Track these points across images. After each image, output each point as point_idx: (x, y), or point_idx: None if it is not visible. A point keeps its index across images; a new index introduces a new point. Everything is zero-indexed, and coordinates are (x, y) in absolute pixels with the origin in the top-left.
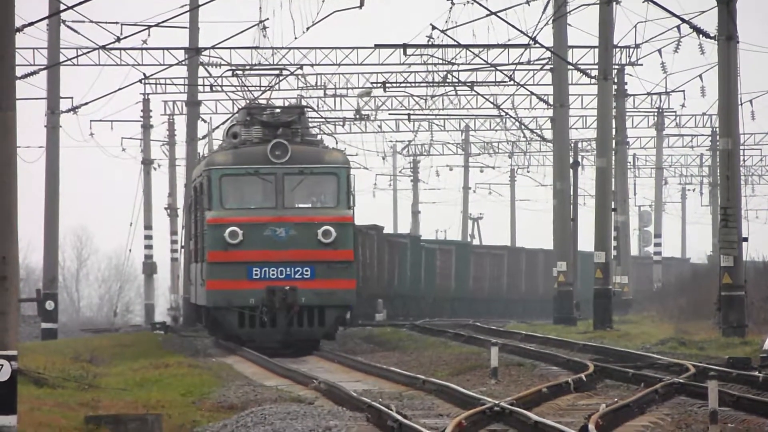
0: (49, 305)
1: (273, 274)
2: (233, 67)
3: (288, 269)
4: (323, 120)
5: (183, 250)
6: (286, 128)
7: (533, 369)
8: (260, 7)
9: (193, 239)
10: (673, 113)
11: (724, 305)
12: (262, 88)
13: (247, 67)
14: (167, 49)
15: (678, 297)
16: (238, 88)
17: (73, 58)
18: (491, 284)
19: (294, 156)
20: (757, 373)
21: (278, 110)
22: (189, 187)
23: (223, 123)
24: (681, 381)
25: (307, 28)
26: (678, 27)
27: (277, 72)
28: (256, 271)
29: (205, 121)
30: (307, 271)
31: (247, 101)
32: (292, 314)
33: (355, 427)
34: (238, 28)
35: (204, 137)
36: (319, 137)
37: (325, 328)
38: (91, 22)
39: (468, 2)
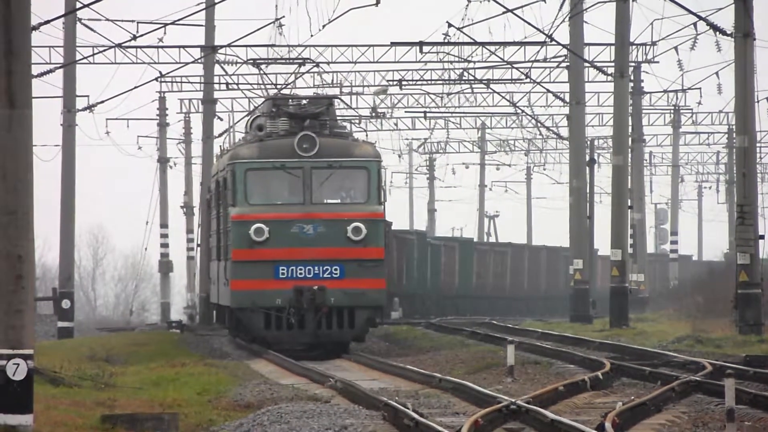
0: (65, 304)
1: (300, 274)
2: (253, 60)
3: (316, 268)
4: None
5: (199, 248)
6: (313, 120)
7: (550, 367)
8: (276, 5)
9: (215, 236)
10: (690, 111)
11: (740, 303)
12: (281, 85)
13: (269, 60)
14: (183, 47)
15: (695, 294)
16: (255, 86)
17: (89, 56)
18: (495, 282)
19: (322, 149)
20: None
21: (305, 101)
22: (205, 186)
23: (246, 116)
24: (698, 379)
25: (323, 26)
26: (695, 24)
27: (300, 62)
28: (282, 270)
29: (221, 119)
30: (336, 270)
31: (267, 95)
32: (321, 315)
33: (372, 425)
34: (254, 26)
35: (224, 133)
36: (348, 129)
37: (355, 329)
38: (107, 20)
39: (484, 0)
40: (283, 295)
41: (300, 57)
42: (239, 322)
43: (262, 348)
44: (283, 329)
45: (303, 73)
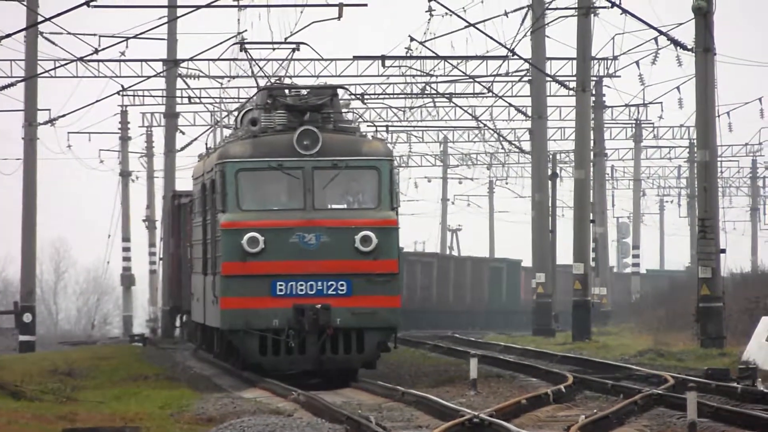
0: (27, 318)
1: (301, 290)
2: (240, 41)
3: (319, 284)
4: None
5: (161, 261)
6: (315, 113)
7: (512, 380)
8: (238, 19)
9: (200, 246)
10: (651, 125)
11: (702, 316)
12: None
13: (252, 42)
14: (145, 60)
15: (656, 308)
16: (217, 100)
17: (51, 69)
18: (422, 294)
19: (326, 146)
20: (735, 385)
21: (305, 91)
22: (167, 199)
23: (235, 110)
24: (660, 392)
25: (285, 39)
26: (656, 39)
27: (293, 47)
28: (280, 286)
29: (183, 133)
30: (342, 285)
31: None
32: (325, 338)
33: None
34: (216, 40)
35: (187, 146)
36: (355, 124)
37: (364, 354)
38: (69, 33)
39: (446, 14)
40: (281, 315)
41: (293, 42)
42: (230, 346)
43: (254, 375)
44: (281, 354)
45: (294, 60)
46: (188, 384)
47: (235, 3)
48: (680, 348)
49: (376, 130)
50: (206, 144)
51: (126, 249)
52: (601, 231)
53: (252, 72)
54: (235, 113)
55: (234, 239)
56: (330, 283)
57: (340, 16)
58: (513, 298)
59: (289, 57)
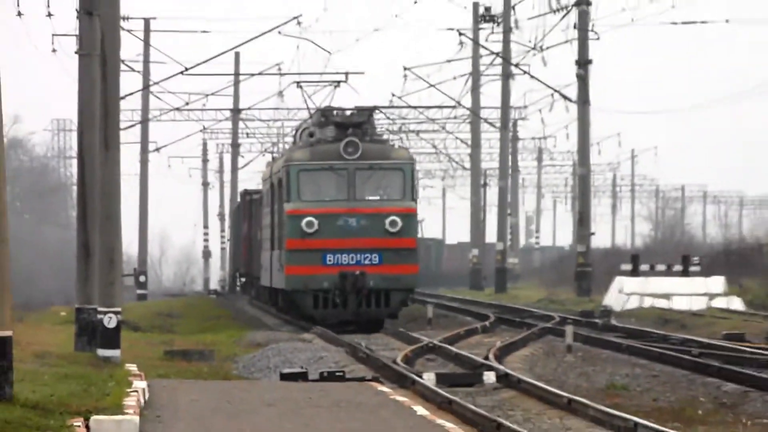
0: (142, 279)
1: (345, 260)
2: (297, 82)
3: (358, 256)
4: None
5: (229, 242)
6: (356, 128)
7: (455, 319)
8: (279, 82)
9: (268, 229)
10: (549, 151)
11: (578, 277)
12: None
13: (310, 75)
14: (218, 109)
15: (550, 272)
16: (266, 134)
17: (158, 116)
18: None
19: (364, 153)
20: (597, 321)
21: (349, 112)
22: (233, 202)
23: (294, 130)
24: (549, 326)
25: (310, 96)
26: (552, 94)
27: (337, 82)
28: (329, 257)
29: (242, 157)
30: (375, 257)
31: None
32: (362, 296)
33: (339, 356)
34: (265, 95)
35: (257, 157)
36: (385, 135)
37: (390, 308)
38: (169, 92)
39: (415, 78)
40: (330, 279)
41: (336, 79)
42: (292, 302)
43: (306, 323)
44: (329, 308)
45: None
46: (245, 322)
47: (277, 71)
48: (564, 297)
49: (401, 140)
50: (272, 154)
51: (205, 234)
52: (515, 221)
53: (305, 101)
54: (293, 132)
55: (296, 222)
56: (366, 255)
57: (346, 80)
58: (438, 266)
59: (334, 85)
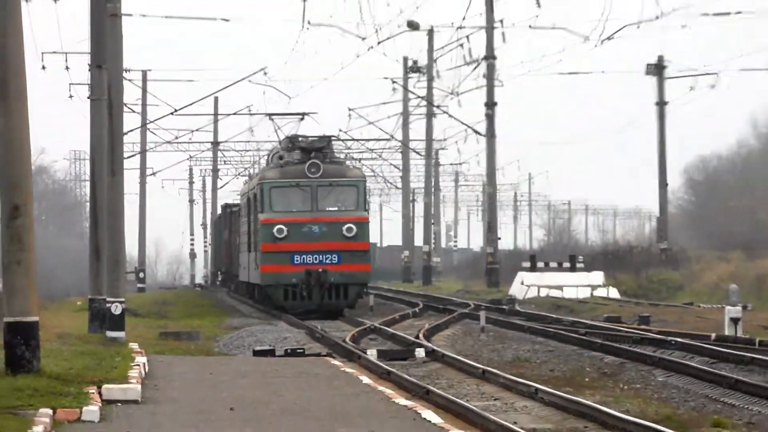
0: (141, 275)
1: (310, 260)
2: (270, 115)
3: (321, 256)
4: None
5: (210, 246)
6: (318, 152)
7: (391, 306)
8: (249, 120)
9: (245, 236)
10: (464, 173)
11: (488, 272)
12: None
13: (277, 115)
14: (201, 142)
15: (465, 269)
16: (240, 161)
17: (153, 147)
18: None
19: (325, 172)
20: (505, 307)
21: (311, 139)
22: (213, 215)
23: (266, 154)
24: (467, 311)
25: (278, 128)
26: (466, 129)
27: (302, 115)
28: (297, 258)
29: (221, 179)
30: (335, 257)
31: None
32: (324, 290)
33: (300, 336)
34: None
35: (223, 186)
36: (342, 158)
37: (348, 300)
38: (162, 129)
39: (358, 116)
40: (297, 276)
41: (301, 112)
42: (266, 295)
43: (277, 312)
44: (297, 300)
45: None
46: (224, 310)
47: (248, 111)
48: (477, 289)
49: (354, 162)
50: (248, 174)
51: (191, 239)
52: (437, 228)
53: (275, 131)
54: (265, 156)
55: (269, 229)
56: (327, 256)
57: (303, 118)
58: (372, 264)
59: (298, 124)
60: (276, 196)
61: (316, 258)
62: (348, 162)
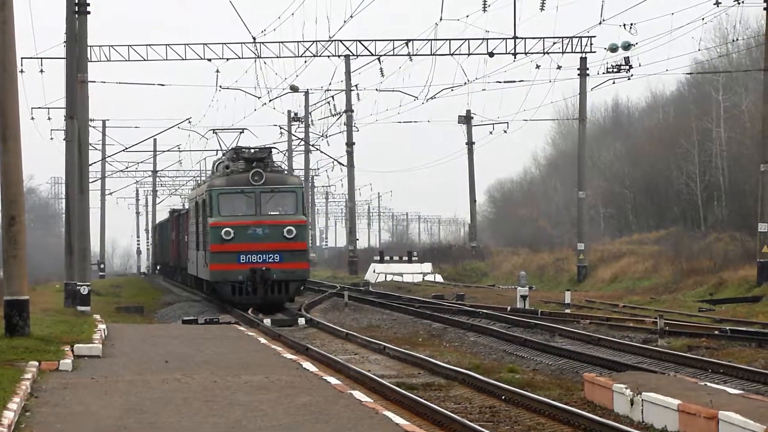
0: (101, 266)
1: (254, 259)
2: (213, 129)
3: (264, 256)
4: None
5: (151, 245)
6: (260, 162)
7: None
8: (179, 156)
9: (194, 236)
10: (332, 193)
11: (350, 263)
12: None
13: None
14: (144, 171)
15: (334, 261)
16: (179, 178)
17: (110, 174)
18: None
19: (267, 180)
20: (362, 288)
21: (254, 150)
22: (154, 223)
23: (214, 163)
24: (335, 292)
25: (241, 132)
26: (333, 162)
27: (242, 130)
28: (243, 257)
29: (159, 197)
30: (276, 257)
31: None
32: (267, 286)
33: (216, 309)
34: (171, 162)
35: (164, 199)
36: (281, 167)
37: (289, 294)
38: (117, 161)
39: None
40: (243, 273)
41: (240, 128)
42: (214, 290)
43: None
44: (243, 295)
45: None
46: (161, 291)
47: (177, 149)
48: (342, 276)
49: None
50: (196, 181)
51: (138, 240)
52: (314, 232)
53: (218, 143)
54: (211, 166)
55: (217, 231)
56: (270, 255)
57: (242, 132)
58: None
59: (238, 137)
60: (223, 202)
61: (260, 257)
62: (286, 171)
